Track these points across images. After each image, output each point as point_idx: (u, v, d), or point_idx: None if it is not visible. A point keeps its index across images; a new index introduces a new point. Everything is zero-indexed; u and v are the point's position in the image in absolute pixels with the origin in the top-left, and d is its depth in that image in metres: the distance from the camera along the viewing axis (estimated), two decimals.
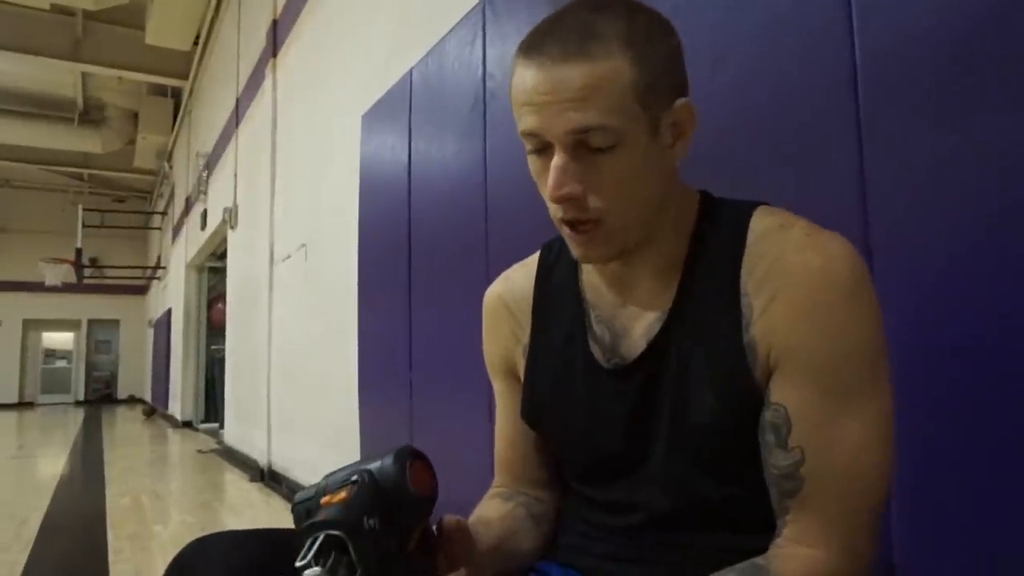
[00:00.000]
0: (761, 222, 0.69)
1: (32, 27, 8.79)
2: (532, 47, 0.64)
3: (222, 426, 7.20)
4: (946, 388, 0.97)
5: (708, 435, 0.68)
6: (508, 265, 0.91)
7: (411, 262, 2.66)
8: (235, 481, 5.14)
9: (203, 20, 8.41)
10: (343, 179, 3.58)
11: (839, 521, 0.62)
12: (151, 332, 15.37)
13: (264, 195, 5.38)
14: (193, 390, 10.03)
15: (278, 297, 5.05)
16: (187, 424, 9.79)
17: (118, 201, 15.75)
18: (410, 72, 2.74)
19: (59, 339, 17.52)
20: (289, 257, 4.73)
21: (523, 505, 0.83)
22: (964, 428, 0.95)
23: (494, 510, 0.82)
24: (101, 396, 17.35)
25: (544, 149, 0.66)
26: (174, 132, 11.74)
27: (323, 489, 0.60)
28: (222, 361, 7.60)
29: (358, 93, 3.44)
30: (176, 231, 11.51)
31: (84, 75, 10.32)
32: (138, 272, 15.52)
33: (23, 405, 16.36)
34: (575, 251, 0.70)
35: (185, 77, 9.96)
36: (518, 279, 0.87)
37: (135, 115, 11.88)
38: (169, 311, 12.03)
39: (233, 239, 6.89)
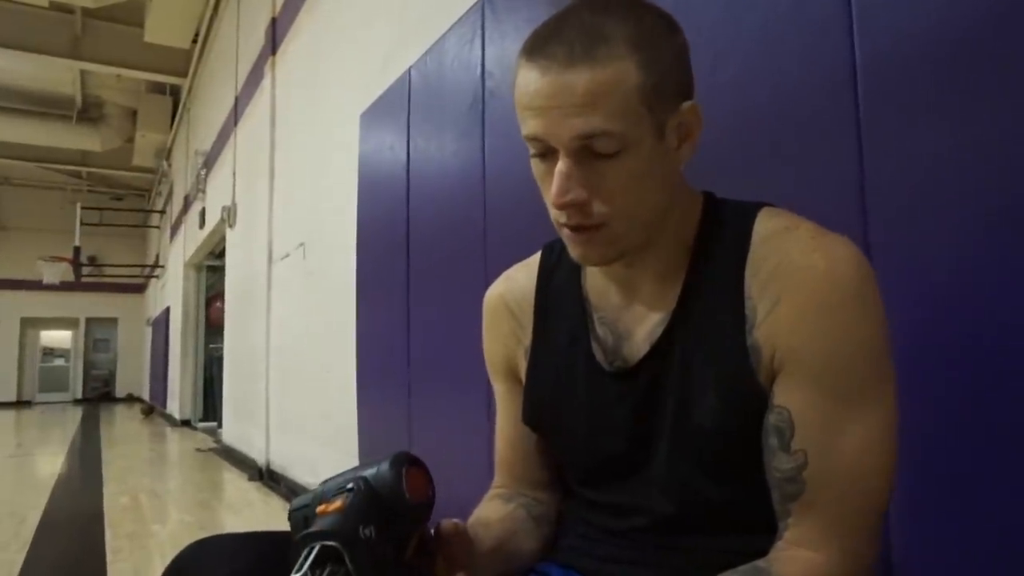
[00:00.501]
0: (765, 224, 0.69)
1: (31, 24, 8.77)
2: (536, 49, 0.63)
3: (220, 425, 7.20)
4: (944, 387, 0.96)
5: (711, 438, 0.67)
6: (507, 264, 0.91)
7: (409, 261, 2.66)
8: (233, 480, 5.13)
9: (202, 18, 8.39)
10: (342, 177, 3.57)
11: (841, 524, 0.62)
12: (149, 331, 15.35)
13: (263, 193, 5.38)
14: (191, 389, 10.02)
15: (276, 296, 5.05)
16: (185, 423, 9.78)
17: (116, 199, 15.72)
18: (409, 71, 2.74)
19: (57, 337, 17.50)
20: (288, 256, 4.72)
21: (523, 506, 0.83)
22: (962, 427, 0.95)
23: (494, 511, 0.82)
24: (99, 395, 17.32)
25: (548, 153, 0.65)
26: (173, 130, 11.72)
27: (319, 496, 0.59)
28: (220, 360, 7.59)
29: (357, 91, 3.43)
30: (174, 229, 11.49)
31: (83, 73, 10.29)
32: (136, 271, 15.50)
33: (21, 403, 16.34)
34: (574, 252, 0.69)
35: (184, 75, 9.94)
36: (520, 279, 0.86)
37: (134, 113, 11.86)
38: (167, 310, 12.02)
39: (232, 237, 6.88)
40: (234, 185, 6.62)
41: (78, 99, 11.33)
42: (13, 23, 8.61)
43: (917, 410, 0.96)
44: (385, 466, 0.60)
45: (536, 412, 0.81)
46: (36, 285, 14.64)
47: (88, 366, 17.68)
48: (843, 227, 0.68)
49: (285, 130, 5.04)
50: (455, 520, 0.65)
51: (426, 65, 2.60)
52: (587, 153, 0.63)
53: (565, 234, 0.69)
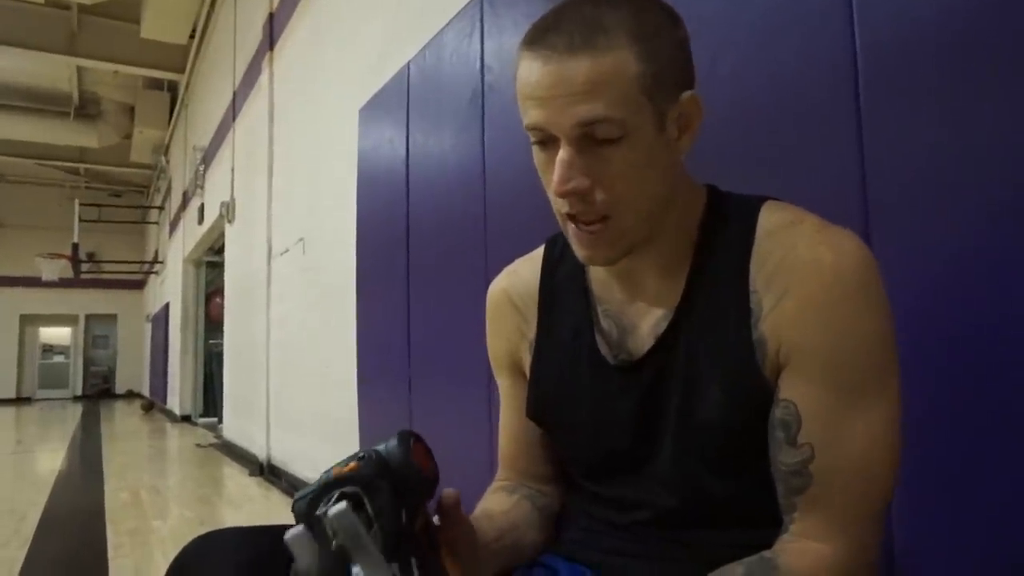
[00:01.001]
0: (770, 218, 0.69)
1: (27, 21, 8.74)
2: (536, 40, 0.64)
3: (221, 420, 7.20)
4: (946, 380, 0.96)
5: (715, 432, 0.67)
6: (507, 259, 0.91)
7: (409, 256, 2.65)
8: (234, 475, 5.14)
9: (199, 13, 8.37)
10: (341, 173, 3.57)
11: (847, 517, 0.62)
12: (149, 327, 15.35)
13: (261, 189, 5.37)
14: (192, 385, 10.02)
15: (276, 291, 5.04)
16: (186, 419, 9.79)
17: (115, 196, 15.70)
18: (407, 65, 2.73)
19: (56, 334, 17.49)
20: (287, 251, 4.72)
21: (527, 498, 0.83)
22: (964, 420, 0.95)
23: (498, 503, 0.82)
24: (99, 391, 17.33)
25: (549, 143, 0.65)
26: (170, 126, 11.70)
27: (324, 480, 0.59)
28: (220, 356, 7.59)
29: (355, 86, 3.42)
30: (173, 226, 11.48)
31: (79, 69, 10.27)
32: (135, 267, 15.50)
33: (21, 400, 16.35)
34: (580, 252, 0.69)
35: (181, 71, 9.91)
36: (523, 274, 0.86)
37: (131, 109, 11.84)
38: (167, 306, 12.01)
39: (231, 233, 6.87)
40: (233, 181, 6.61)
41: (75, 96, 11.30)
42: (9, 20, 8.58)
43: (918, 402, 0.96)
44: (394, 440, 0.61)
45: (540, 406, 0.81)
46: (35, 282, 14.63)
47: (88, 362, 17.68)
48: (844, 218, 0.68)
49: (283, 125, 5.03)
50: (455, 491, 0.65)
51: (425, 59, 2.59)
52: (588, 141, 0.63)
53: (571, 231, 0.68)
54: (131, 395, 17.07)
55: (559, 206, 0.67)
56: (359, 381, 3.15)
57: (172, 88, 11.09)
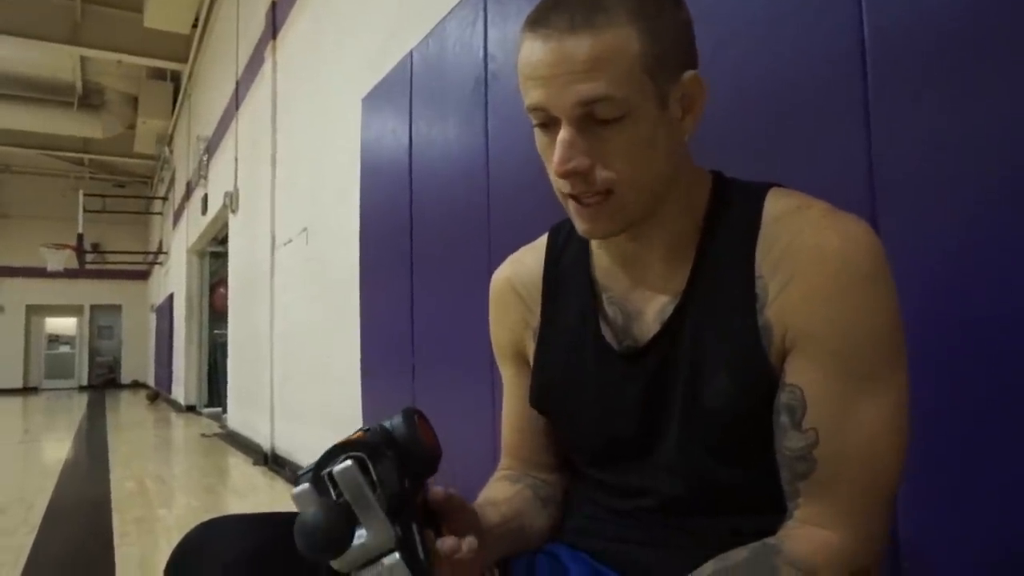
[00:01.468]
0: (776, 203, 0.68)
1: (30, 11, 8.73)
2: (538, 20, 0.63)
3: (225, 410, 7.23)
4: (951, 368, 0.96)
5: (721, 418, 0.67)
6: (511, 248, 0.90)
7: (413, 246, 2.65)
8: (239, 465, 5.16)
9: (201, 3, 8.35)
10: (344, 162, 3.56)
11: (851, 504, 0.62)
12: (153, 317, 15.40)
13: (265, 179, 5.37)
14: (196, 375, 10.07)
15: (280, 281, 5.05)
16: (190, 408, 9.83)
17: (119, 186, 15.71)
18: (410, 54, 2.72)
19: (62, 324, 17.57)
20: (290, 241, 4.72)
21: (530, 487, 0.83)
22: (968, 409, 0.94)
23: (501, 491, 0.82)
24: (105, 381, 17.43)
25: (550, 123, 0.65)
26: (174, 116, 11.69)
27: (325, 456, 0.60)
28: (224, 346, 7.62)
29: (359, 75, 3.41)
30: (177, 216, 11.49)
31: (83, 59, 10.26)
32: (139, 257, 15.53)
33: (28, 390, 16.44)
34: (580, 226, 0.69)
35: (184, 61, 9.90)
36: (527, 262, 0.86)
37: (135, 99, 11.83)
38: (171, 296, 12.05)
39: (234, 223, 6.87)
40: (236, 171, 6.61)
41: (79, 86, 11.30)
42: (12, 10, 8.57)
43: (921, 390, 0.96)
44: (398, 416, 0.61)
45: (545, 395, 0.81)
46: (40, 272, 14.67)
47: (93, 353, 17.77)
48: (850, 205, 0.67)
49: (287, 115, 5.02)
50: (448, 488, 0.65)
51: (428, 48, 2.58)
52: (589, 121, 0.62)
53: (570, 207, 0.68)
54: (136, 385, 17.16)
55: (560, 186, 0.67)
56: (363, 371, 3.15)
57: (175, 78, 11.08)
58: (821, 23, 1.15)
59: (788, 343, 0.64)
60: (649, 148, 0.64)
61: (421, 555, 0.55)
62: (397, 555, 0.52)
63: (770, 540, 0.63)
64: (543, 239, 0.86)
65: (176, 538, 0.70)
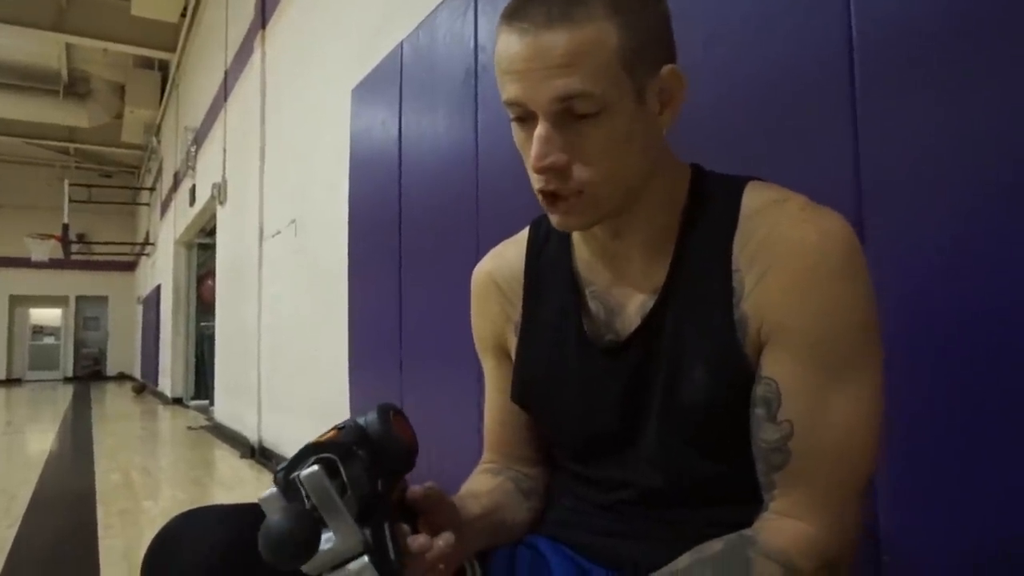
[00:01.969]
0: (755, 197, 0.68)
1: None
2: (515, 13, 0.63)
3: (212, 403, 7.20)
4: (938, 368, 0.96)
5: (700, 412, 0.67)
6: (499, 241, 0.90)
7: (401, 239, 2.64)
8: (225, 457, 5.14)
9: None
10: (334, 153, 3.54)
11: (826, 495, 0.62)
12: (140, 308, 15.28)
13: (253, 170, 5.33)
14: (183, 367, 10.01)
15: (268, 273, 5.02)
16: (177, 401, 9.78)
17: (105, 176, 15.55)
18: (401, 44, 2.70)
19: (47, 315, 17.41)
20: (279, 233, 4.69)
21: (512, 480, 0.83)
22: (956, 409, 0.95)
23: (482, 484, 0.82)
24: (90, 373, 17.29)
25: (527, 118, 0.64)
26: (162, 106, 11.58)
27: (296, 457, 0.59)
28: (212, 338, 7.57)
29: (348, 66, 3.39)
30: (164, 207, 11.40)
31: (68, 46, 10.13)
32: (126, 248, 15.39)
33: (11, 382, 16.30)
34: (553, 219, 0.69)
35: (172, 50, 9.79)
36: (508, 256, 0.85)
37: (122, 88, 11.70)
38: (158, 288, 11.96)
39: (222, 215, 6.83)
40: (224, 162, 6.56)
41: (64, 74, 11.16)
42: None
43: (908, 390, 0.96)
44: (373, 413, 0.61)
45: (527, 390, 0.81)
46: (25, 263, 14.52)
47: (79, 344, 17.62)
48: (837, 206, 0.67)
49: (276, 105, 4.98)
50: (426, 485, 0.65)
51: (418, 39, 2.57)
52: (566, 116, 0.62)
53: (542, 200, 0.68)
54: (122, 377, 17.03)
55: (535, 181, 0.66)
56: (351, 364, 3.14)
57: (163, 67, 10.96)
58: (810, 21, 1.15)
59: (764, 336, 0.64)
60: (626, 143, 0.64)
61: (392, 555, 0.54)
62: (365, 558, 0.51)
63: (746, 532, 0.63)
64: (524, 233, 0.86)
65: None
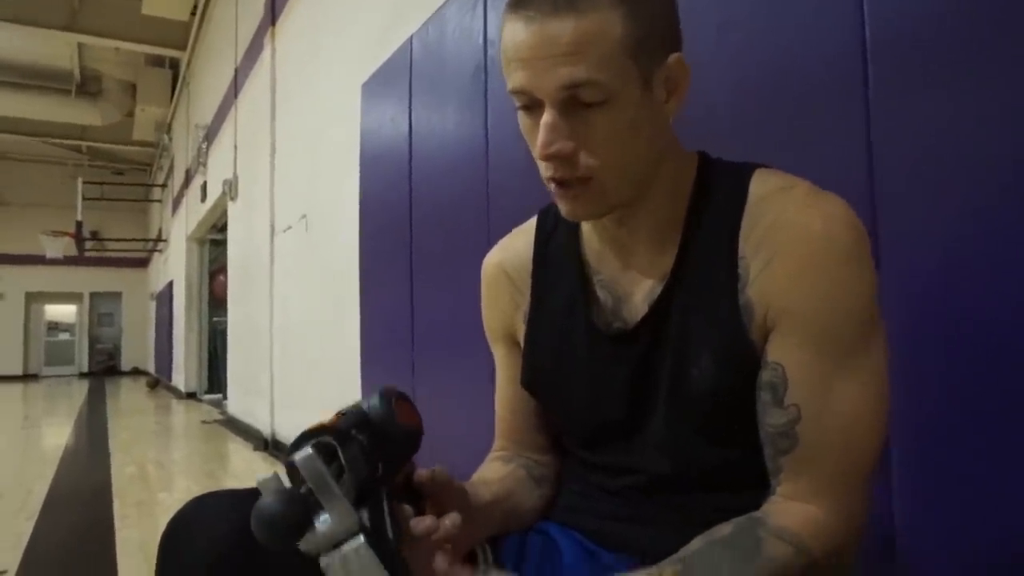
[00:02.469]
0: (761, 184, 0.69)
1: None
2: (521, 1, 0.63)
3: (225, 397, 7.25)
4: (952, 366, 0.96)
5: (707, 400, 0.68)
6: None
7: (412, 233, 2.66)
8: (239, 450, 5.19)
9: None
10: (344, 149, 3.56)
11: (833, 479, 0.63)
12: (154, 304, 15.40)
13: (264, 166, 5.36)
14: (196, 362, 10.09)
15: (279, 269, 5.05)
16: (191, 395, 9.86)
17: (117, 174, 15.67)
18: (410, 39, 2.71)
19: (62, 312, 17.57)
20: (290, 228, 4.72)
21: (523, 467, 0.84)
22: (969, 406, 0.94)
23: (494, 471, 0.83)
24: (105, 368, 17.45)
25: (534, 106, 0.65)
26: (173, 104, 11.65)
27: (296, 442, 0.60)
28: (224, 333, 7.63)
29: (358, 61, 3.40)
30: (176, 204, 11.48)
31: (80, 46, 10.19)
32: (139, 245, 15.51)
33: (28, 377, 16.47)
34: (562, 208, 0.70)
35: (183, 48, 9.85)
36: (516, 245, 0.86)
37: (133, 86, 11.78)
38: (171, 284, 12.05)
39: (233, 211, 6.87)
40: (235, 158, 6.60)
41: (76, 73, 11.24)
42: None
43: (923, 387, 0.96)
44: (375, 397, 0.61)
45: (535, 376, 0.82)
46: (40, 260, 14.65)
47: (93, 340, 17.78)
48: (850, 193, 0.67)
49: (286, 102, 5.00)
50: (432, 468, 0.66)
51: (427, 34, 2.57)
52: (573, 104, 0.62)
53: (553, 189, 0.68)
54: (137, 372, 17.18)
55: (543, 169, 0.67)
56: (363, 360, 3.16)
57: (174, 65, 11.02)
58: (823, 11, 1.15)
59: (770, 322, 0.65)
60: (632, 132, 0.65)
61: (391, 536, 0.55)
62: (361, 538, 0.52)
63: (755, 514, 0.64)
64: (532, 222, 0.87)
65: None
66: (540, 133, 0.63)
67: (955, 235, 0.97)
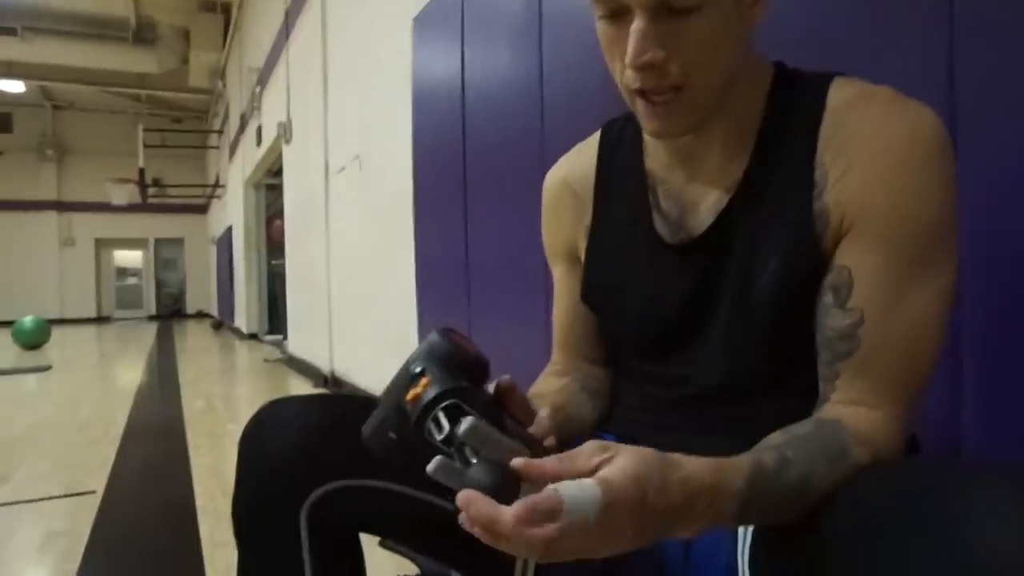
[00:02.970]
0: (841, 91, 0.67)
1: None
2: None
3: (286, 337, 7.51)
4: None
5: (770, 310, 0.67)
6: None
7: (466, 169, 2.65)
8: (300, 387, 5.39)
9: None
10: (396, 86, 3.54)
11: (893, 387, 0.62)
12: (214, 249, 15.90)
13: (317, 107, 5.39)
14: (257, 304, 10.42)
15: (334, 209, 5.13)
16: (253, 336, 10.23)
17: (176, 121, 16.03)
18: None
19: (129, 257, 18.35)
20: (344, 169, 4.77)
21: (578, 380, 0.86)
22: None
23: (549, 385, 0.85)
24: (171, 311, 18.25)
25: (619, 15, 0.63)
26: (226, 49, 11.74)
27: (385, 412, 0.60)
28: (283, 276, 7.84)
29: None
30: (232, 149, 11.69)
31: None
32: (198, 191, 15.93)
33: (101, 319, 17.35)
34: (649, 125, 0.68)
35: None
36: (580, 159, 0.86)
37: (187, 33, 11.91)
38: (230, 228, 12.38)
39: (288, 154, 6.96)
40: (288, 101, 6.65)
41: (132, 20, 11.41)
42: None
43: (999, 292, 0.93)
44: (434, 336, 0.61)
45: (596, 289, 0.82)
46: (106, 207, 15.25)
47: (159, 284, 18.58)
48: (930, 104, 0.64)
49: (337, 40, 4.99)
50: (501, 377, 0.66)
51: None
52: (664, 11, 0.61)
53: (640, 106, 0.67)
54: (201, 315, 17.90)
55: (630, 81, 0.65)
56: (419, 296, 3.22)
57: (226, 9, 11.07)
58: None
59: (844, 227, 0.64)
60: (723, 39, 0.63)
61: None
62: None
63: (825, 416, 0.62)
64: (595, 136, 0.86)
65: None
66: (631, 41, 0.61)
67: None
